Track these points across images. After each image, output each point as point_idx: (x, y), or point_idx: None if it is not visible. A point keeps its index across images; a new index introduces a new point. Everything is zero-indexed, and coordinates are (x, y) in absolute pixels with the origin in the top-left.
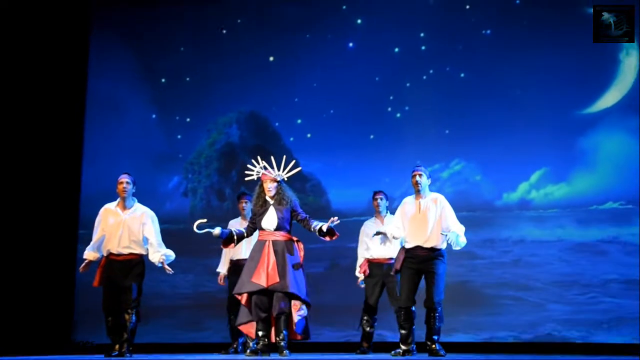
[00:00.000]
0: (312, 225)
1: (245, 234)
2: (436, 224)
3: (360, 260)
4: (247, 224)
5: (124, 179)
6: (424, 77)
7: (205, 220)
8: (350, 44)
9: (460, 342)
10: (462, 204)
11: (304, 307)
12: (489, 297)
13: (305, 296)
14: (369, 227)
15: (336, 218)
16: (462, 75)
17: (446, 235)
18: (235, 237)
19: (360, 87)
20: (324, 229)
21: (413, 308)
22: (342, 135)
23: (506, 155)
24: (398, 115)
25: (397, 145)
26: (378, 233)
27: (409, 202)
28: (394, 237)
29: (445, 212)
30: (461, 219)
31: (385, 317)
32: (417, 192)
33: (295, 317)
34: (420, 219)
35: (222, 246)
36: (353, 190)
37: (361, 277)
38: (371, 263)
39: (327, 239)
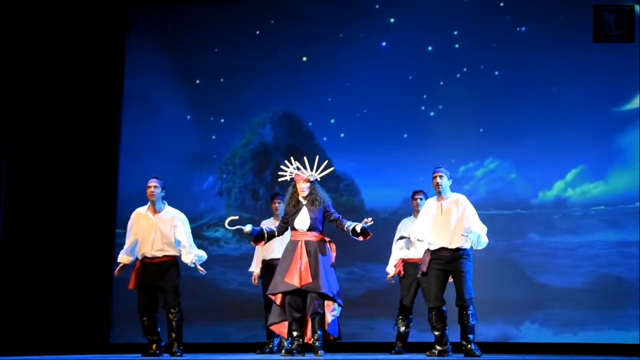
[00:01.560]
0: (345, 225)
1: (275, 233)
2: (458, 225)
3: (393, 258)
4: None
5: (152, 183)
6: (458, 76)
7: (237, 217)
8: (383, 43)
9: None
10: (496, 203)
11: (336, 307)
12: (532, 297)
13: (337, 297)
14: (407, 226)
15: (370, 219)
16: (497, 73)
17: (467, 235)
18: (265, 235)
19: (394, 86)
20: (358, 229)
21: (443, 308)
22: (376, 134)
23: (542, 154)
24: (432, 114)
25: (431, 144)
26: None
27: (431, 203)
28: (417, 240)
29: (467, 212)
30: (495, 218)
31: (422, 317)
32: (439, 194)
33: (329, 318)
34: (442, 221)
35: (252, 243)
36: (387, 189)
37: (392, 273)
38: (406, 263)
39: (361, 239)
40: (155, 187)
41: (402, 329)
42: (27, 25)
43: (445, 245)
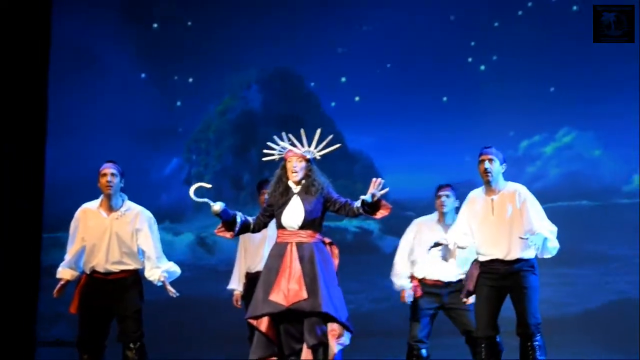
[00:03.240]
0: (355, 207)
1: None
2: (516, 227)
3: (400, 269)
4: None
5: (108, 169)
6: (519, 13)
7: (208, 185)
8: None
9: None
10: (574, 190)
11: (345, 333)
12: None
13: (345, 319)
14: (425, 231)
15: (380, 180)
16: (575, 8)
17: (528, 239)
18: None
19: (429, 30)
20: (367, 199)
21: (498, 338)
22: (403, 98)
23: (637, 122)
24: (482, 67)
25: (481, 110)
26: (437, 244)
27: (477, 198)
28: (459, 248)
29: (527, 208)
30: (573, 210)
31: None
32: (487, 184)
33: (335, 347)
34: (494, 222)
35: (217, 230)
36: (419, 173)
37: (408, 287)
38: (424, 284)
39: (379, 215)
40: (112, 174)
41: None
42: None
43: (500, 257)
